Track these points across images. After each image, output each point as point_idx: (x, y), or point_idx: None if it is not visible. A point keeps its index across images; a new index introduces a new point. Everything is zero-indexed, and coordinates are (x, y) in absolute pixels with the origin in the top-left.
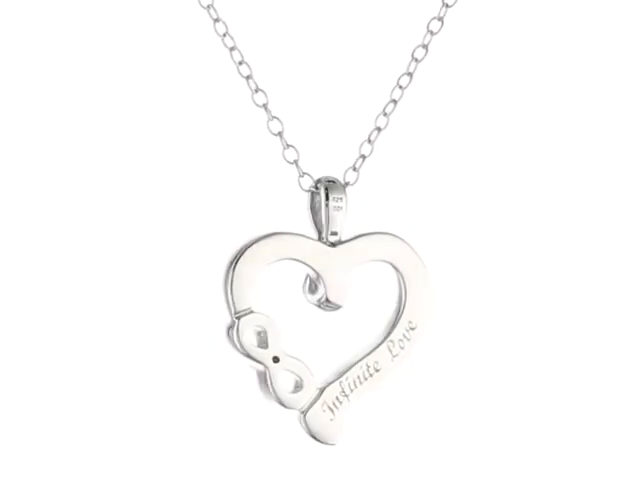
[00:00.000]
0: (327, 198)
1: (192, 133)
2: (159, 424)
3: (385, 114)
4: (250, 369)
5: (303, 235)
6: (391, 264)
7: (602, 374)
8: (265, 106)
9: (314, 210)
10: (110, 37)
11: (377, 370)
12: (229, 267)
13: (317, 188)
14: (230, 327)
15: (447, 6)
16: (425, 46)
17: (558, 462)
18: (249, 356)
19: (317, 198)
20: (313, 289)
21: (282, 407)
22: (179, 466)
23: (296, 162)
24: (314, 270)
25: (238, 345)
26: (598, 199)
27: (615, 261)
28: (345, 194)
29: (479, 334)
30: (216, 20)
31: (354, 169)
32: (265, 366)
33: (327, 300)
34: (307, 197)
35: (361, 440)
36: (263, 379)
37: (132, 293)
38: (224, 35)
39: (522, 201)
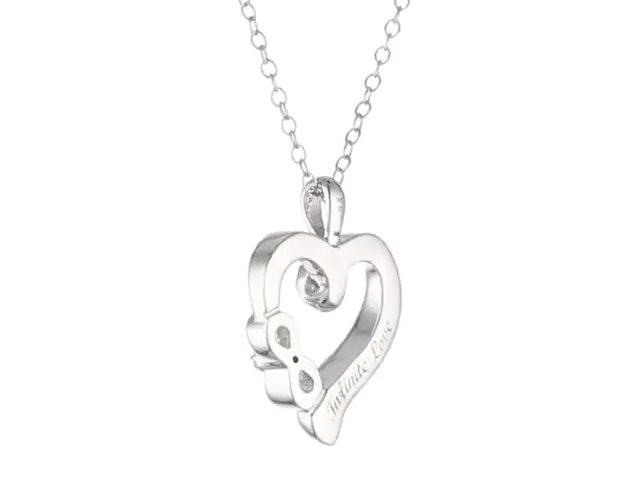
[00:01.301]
0: (330, 198)
1: (203, 128)
2: (159, 423)
3: (360, 116)
4: (255, 369)
5: (315, 235)
6: (374, 265)
7: (578, 376)
8: (282, 104)
9: (310, 209)
10: (133, 29)
11: (365, 370)
12: (260, 265)
13: (319, 187)
14: (252, 325)
15: (400, 9)
16: (386, 48)
17: (543, 457)
18: (273, 356)
19: (309, 197)
20: (310, 288)
21: (293, 407)
22: (179, 465)
23: (303, 161)
24: (323, 271)
25: (265, 344)
26: (584, 200)
27: (595, 264)
28: (343, 194)
29: (459, 333)
30: (251, 19)
31: (340, 170)
32: (286, 366)
33: (325, 301)
34: (302, 196)
35: (354, 439)
36: (275, 379)
37: (140, 293)
38: (256, 32)
39: (503, 199)
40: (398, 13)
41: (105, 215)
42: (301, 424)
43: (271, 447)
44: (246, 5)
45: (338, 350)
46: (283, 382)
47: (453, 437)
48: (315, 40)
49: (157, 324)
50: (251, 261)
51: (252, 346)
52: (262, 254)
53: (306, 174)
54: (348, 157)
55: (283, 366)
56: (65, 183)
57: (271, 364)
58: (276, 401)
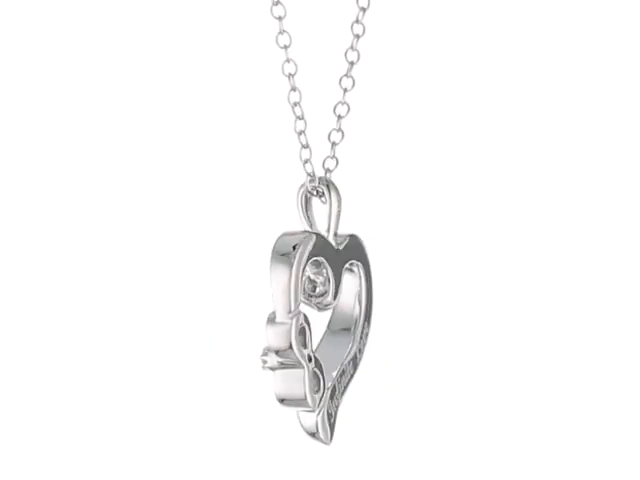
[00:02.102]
0: (331, 198)
1: (196, 128)
2: (159, 423)
3: (340, 117)
4: (264, 369)
5: (323, 236)
6: (358, 265)
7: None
8: (297, 104)
9: (307, 209)
10: (142, 26)
11: (352, 369)
12: (284, 265)
13: (320, 187)
14: (274, 324)
15: (363, 10)
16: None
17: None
18: (289, 355)
19: (305, 197)
20: (309, 288)
21: (300, 407)
22: (178, 464)
23: (309, 161)
24: (326, 271)
25: (288, 344)
26: (572, 198)
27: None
28: (341, 195)
29: (451, 332)
30: (280, 18)
31: (328, 170)
32: (301, 365)
33: (321, 301)
34: (301, 196)
35: (350, 439)
36: (288, 379)
37: (140, 293)
38: (282, 32)
39: (486, 195)
40: (363, 15)
41: (105, 213)
42: (302, 424)
43: (268, 447)
44: (277, 4)
45: (317, 349)
46: (297, 382)
47: (446, 434)
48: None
49: (157, 324)
50: (273, 261)
51: (271, 345)
52: (284, 254)
53: (310, 174)
54: (335, 157)
55: (298, 366)
56: (68, 185)
57: (282, 363)
58: (285, 401)
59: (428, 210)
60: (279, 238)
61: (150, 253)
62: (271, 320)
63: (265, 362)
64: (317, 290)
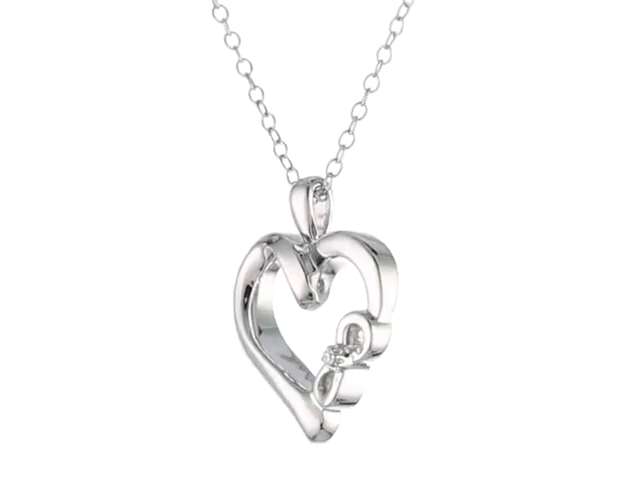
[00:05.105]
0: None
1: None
2: (156, 423)
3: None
4: (331, 367)
5: None
6: None
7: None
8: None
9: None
10: (114, 34)
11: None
12: (393, 266)
13: (324, 189)
14: (378, 325)
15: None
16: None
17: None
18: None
19: (301, 198)
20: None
21: (348, 408)
22: (174, 464)
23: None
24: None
25: (387, 343)
26: (568, 202)
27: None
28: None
29: (452, 333)
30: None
31: (331, 174)
32: (368, 366)
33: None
34: (309, 197)
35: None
36: (356, 379)
37: (133, 293)
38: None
39: (493, 198)
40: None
41: (95, 213)
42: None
43: (267, 447)
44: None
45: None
46: (362, 381)
47: (446, 434)
48: (314, 41)
49: (152, 323)
50: (381, 262)
51: (373, 346)
52: (390, 254)
53: (330, 174)
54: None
55: (363, 366)
56: (54, 185)
57: (356, 363)
58: (342, 401)
59: (426, 209)
60: (372, 241)
61: (145, 252)
62: (372, 319)
63: (341, 361)
64: (325, 289)
